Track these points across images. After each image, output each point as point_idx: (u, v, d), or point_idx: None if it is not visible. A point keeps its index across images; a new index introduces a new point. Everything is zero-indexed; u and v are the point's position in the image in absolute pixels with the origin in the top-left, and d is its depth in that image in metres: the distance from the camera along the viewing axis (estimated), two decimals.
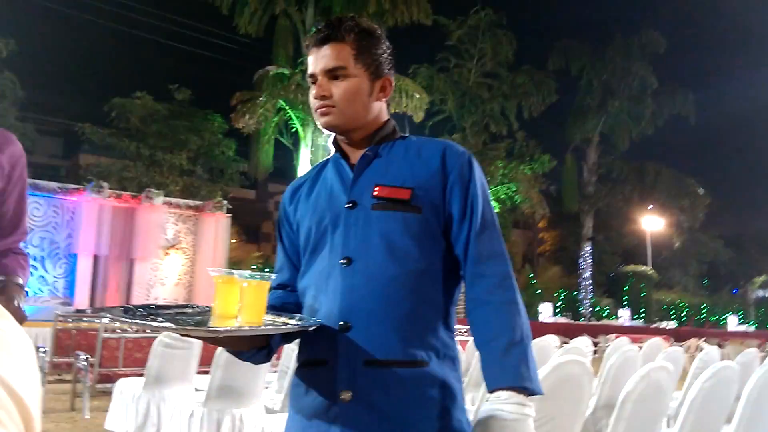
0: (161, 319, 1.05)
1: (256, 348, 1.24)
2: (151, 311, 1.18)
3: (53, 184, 12.98)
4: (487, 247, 1.25)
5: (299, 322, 1.17)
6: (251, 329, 1.10)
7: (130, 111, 17.98)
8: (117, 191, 13.94)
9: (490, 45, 23.01)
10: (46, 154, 28.92)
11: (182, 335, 1.05)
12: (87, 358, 5.86)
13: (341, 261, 1.25)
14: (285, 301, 1.38)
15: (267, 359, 1.30)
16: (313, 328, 1.17)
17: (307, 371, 1.29)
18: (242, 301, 1.13)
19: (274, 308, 1.31)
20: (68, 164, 28.19)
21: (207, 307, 1.25)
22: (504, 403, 1.14)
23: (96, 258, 13.01)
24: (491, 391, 1.17)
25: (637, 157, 29.54)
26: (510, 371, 1.16)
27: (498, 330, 1.19)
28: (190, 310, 1.26)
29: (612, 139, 28.63)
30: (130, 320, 1.04)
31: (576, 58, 27.58)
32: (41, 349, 6.90)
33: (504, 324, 1.19)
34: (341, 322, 1.22)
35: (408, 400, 1.18)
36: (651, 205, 30.87)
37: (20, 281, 1.67)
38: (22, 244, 1.79)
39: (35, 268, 12.42)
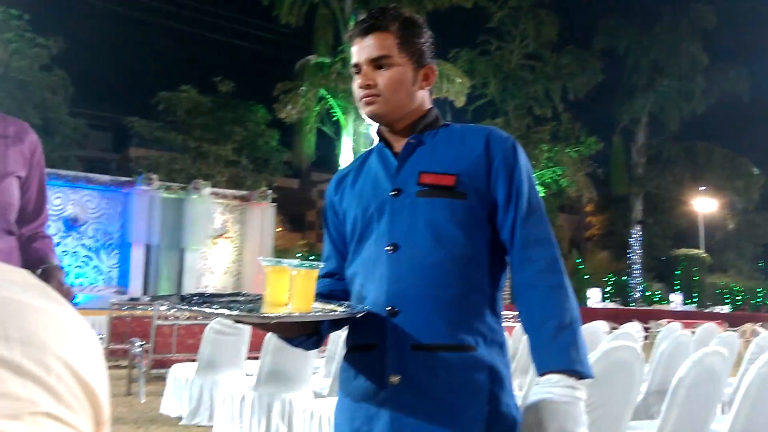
0: (216, 306, 1.09)
1: (305, 335, 1.28)
2: (206, 299, 1.24)
3: (105, 177, 13.40)
4: (533, 231, 1.25)
5: (347, 309, 1.19)
6: (300, 315, 1.13)
7: (176, 104, 18.37)
8: (166, 183, 14.30)
9: (532, 26, 22.56)
10: (98, 148, 29.82)
11: (235, 321, 1.09)
12: (142, 344, 6.05)
13: (387, 248, 1.26)
14: (333, 288, 1.41)
15: (317, 346, 1.33)
16: (361, 314, 1.19)
17: (356, 356, 1.31)
18: (292, 289, 1.16)
19: (322, 296, 1.34)
20: (119, 157, 28.99)
21: (258, 295, 1.29)
22: (554, 386, 1.13)
23: (148, 248, 13.39)
24: (541, 374, 1.17)
25: (688, 137, 28.65)
26: (560, 354, 1.16)
27: (546, 314, 1.19)
28: (241, 298, 1.30)
29: (661, 119, 27.83)
30: (186, 307, 1.09)
31: (622, 37, 26.84)
32: (98, 336, 7.17)
33: (552, 308, 1.19)
34: (389, 308, 1.23)
35: (455, 385, 1.19)
36: (703, 186, 29.93)
37: (57, 263, 1.75)
38: (47, 228, 1.89)
39: (90, 258, 12.87)
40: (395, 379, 1.20)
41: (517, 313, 1.25)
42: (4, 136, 1.63)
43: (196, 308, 1.06)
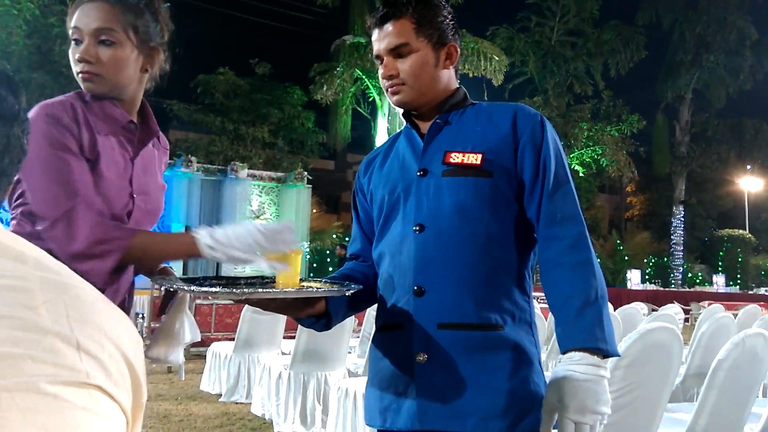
0: (218, 287, 1.15)
1: (314, 317, 1.27)
2: (220, 282, 1.27)
3: None
4: (560, 208, 1.23)
5: (333, 288, 1.19)
6: (271, 292, 1.13)
7: (214, 87, 18.56)
8: (204, 165, 14.52)
9: (573, 0, 22.02)
10: None
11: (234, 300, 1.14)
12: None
13: (414, 228, 1.27)
14: (353, 269, 1.43)
15: (327, 327, 1.33)
16: (350, 292, 1.18)
17: (384, 335, 1.32)
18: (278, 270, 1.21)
19: (341, 277, 1.37)
20: None
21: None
22: (576, 363, 1.12)
23: (187, 229, 13.67)
24: (564, 352, 1.16)
25: (734, 114, 27.70)
26: (583, 332, 1.14)
27: (571, 291, 1.17)
28: (258, 281, 1.33)
29: (707, 96, 26.96)
30: (167, 285, 1.19)
31: (667, 11, 25.96)
32: (139, 315, 7.36)
33: (577, 285, 1.18)
34: (415, 287, 1.24)
35: (482, 363, 1.19)
36: (749, 165, 29.01)
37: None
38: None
39: None
40: (422, 357, 1.21)
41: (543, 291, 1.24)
42: (159, 148, 1.52)
43: (175, 285, 1.16)
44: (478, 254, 1.22)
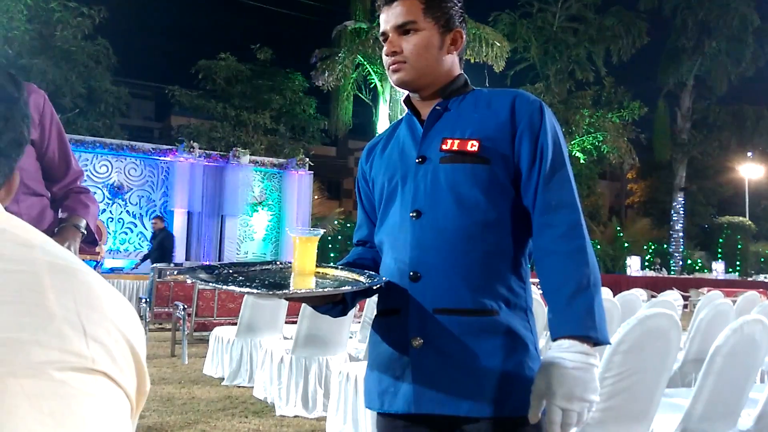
0: (241, 279, 1.19)
1: (331, 303, 1.30)
2: (237, 269, 1.29)
3: (147, 146, 13.66)
4: (556, 196, 1.23)
5: (368, 281, 1.21)
6: (307, 292, 1.16)
7: (215, 72, 18.49)
8: (206, 151, 14.51)
9: None
10: (140, 117, 30.32)
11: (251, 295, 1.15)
12: (185, 307, 6.23)
13: (411, 214, 1.28)
14: (361, 256, 1.45)
15: (343, 313, 1.35)
16: (378, 286, 1.19)
17: (382, 320, 1.34)
18: (295, 253, 1.24)
19: (349, 264, 1.40)
20: (161, 126, 29.42)
21: (289, 262, 1.33)
22: (565, 351, 1.13)
23: (189, 214, 13.69)
24: (554, 339, 1.17)
25: (735, 101, 27.56)
26: (573, 320, 1.15)
27: (564, 279, 1.18)
28: (272, 267, 1.35)
29: (708, 83, 26.81)
30: (189, 277, 1.18)
31: None
32: (143, 300, 7.39)
33: (570, 273, 1.18)
34: (411, 273, 1.25)
35: (477, 348, 1.20)
36: (750, 152, 28.93)
37: (78, 222, 1.70)
38: (82, 183, 1.83)
39: (134, 225, 13.22)
40: (418, 342, 1.23)
41: (537, 278, 1.24)
42: None
43: (212, 283, 1.12)
44: (474, 240, 1.23)
